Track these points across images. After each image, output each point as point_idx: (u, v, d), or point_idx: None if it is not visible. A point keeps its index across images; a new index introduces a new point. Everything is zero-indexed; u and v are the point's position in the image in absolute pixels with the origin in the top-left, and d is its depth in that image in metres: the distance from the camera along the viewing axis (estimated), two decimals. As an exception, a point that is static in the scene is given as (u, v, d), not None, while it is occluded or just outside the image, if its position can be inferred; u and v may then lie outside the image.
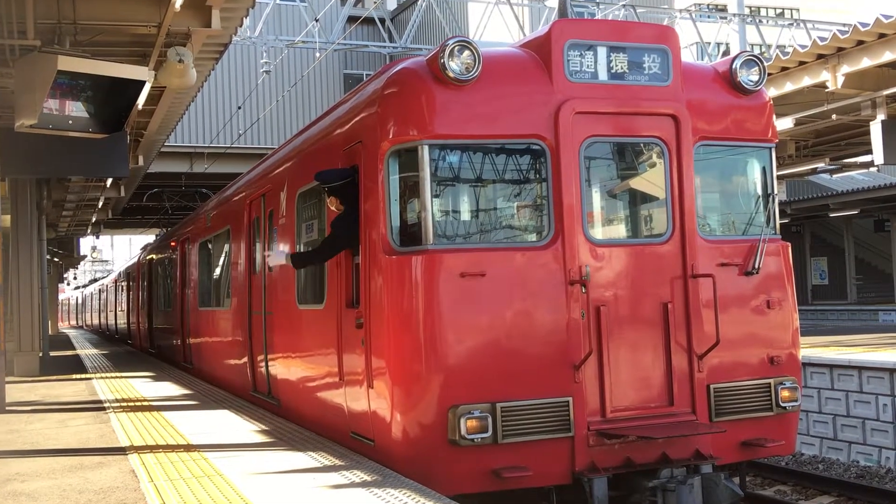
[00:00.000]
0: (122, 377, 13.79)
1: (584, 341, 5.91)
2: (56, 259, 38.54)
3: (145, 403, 10.00)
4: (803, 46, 14.72)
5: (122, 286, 28.05)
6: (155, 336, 19.57)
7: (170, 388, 11.67)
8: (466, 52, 5.85)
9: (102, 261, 77.61)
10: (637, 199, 6.64)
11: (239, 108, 25.73)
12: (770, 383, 6.41)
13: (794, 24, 28.44)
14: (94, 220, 27.12)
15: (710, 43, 25.68)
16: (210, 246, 13.10)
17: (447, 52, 5.81)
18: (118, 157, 11.09)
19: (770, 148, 6.80)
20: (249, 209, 10.15)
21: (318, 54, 22.74)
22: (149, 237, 37.44)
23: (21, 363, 14.80)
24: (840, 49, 13.98)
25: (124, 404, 9.99)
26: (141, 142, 15.34)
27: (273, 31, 24.29)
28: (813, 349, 13.71)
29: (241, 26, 10.45)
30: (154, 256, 20.17)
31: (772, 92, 14.94)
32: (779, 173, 12.96)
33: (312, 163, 7.68)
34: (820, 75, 14.59)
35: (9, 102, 10.20)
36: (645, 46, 6.32)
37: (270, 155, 10.23)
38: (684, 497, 5.86)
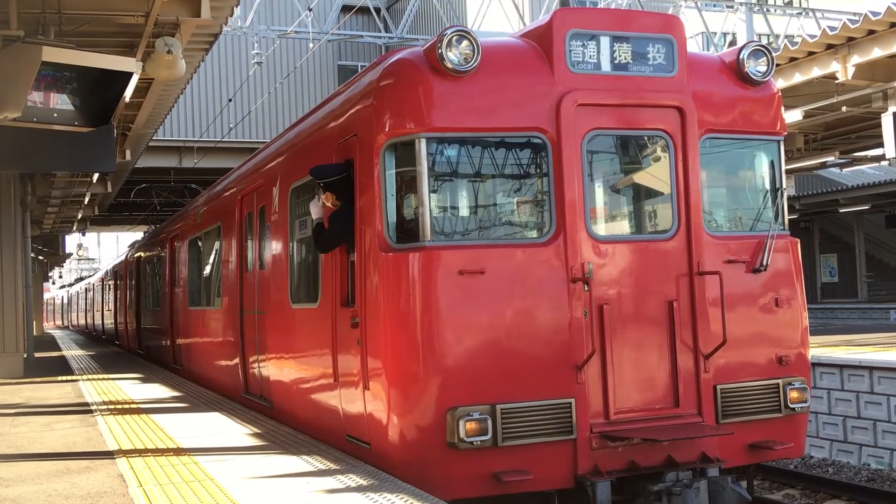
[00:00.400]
0: (109, 379, 13.64)
1: (587, 341, 5.81)
2: (41, 257, 38.31)
3: (134, 406, 9.87)
4: (812, 36, 14.59)
5: (110, 285, 27.83)
6: (143, 336, 19.40)
7: (159, 390, 11.54)
8: (465, 43, 5.73)
9: (89, 259, 77.28)
10: (641, 194, 6.52)
11: (229, 100, 25.55)
12: (778, 384, 6.31)
13: (803, 13, 28.20)
14: (80, 216, 26.94)
15: (716, 33, 25.54)
16: (200, 243, 12.94)
17: (445, 42, 5.69)
18: (105, 151, 10.89)
19: (778, 141, 6.70)
20: (241, 205, 10.01)
21: (311, 45, 22.56)
22: (137, 234, 37.24)
23: (5, 365, 14.61)
24: (850, 39, 13.83)
25: (112, 407, 9.86)
26: (128, 136, 15.20)
27: (264, 20, 24.11)
28: (822, 349, 13.61)
29: (231, 16, 10.36)
30: (142, 254, 19.97)
31: (780, 83, 14.83)
32: (787, 167, 12.84)
33: (306, 157, 7.55)
34: (830, 66, 14.42)
35: (-8, 95, 9.99)
36: (649, 36, 6.20)
37: (262, 149, 10.10)
38: (690, 501, 5.78)
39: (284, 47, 27.48)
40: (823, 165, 22.20)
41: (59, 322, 64.72)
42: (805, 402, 6.38)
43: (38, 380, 13.93)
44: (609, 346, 5.88)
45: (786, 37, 24.80)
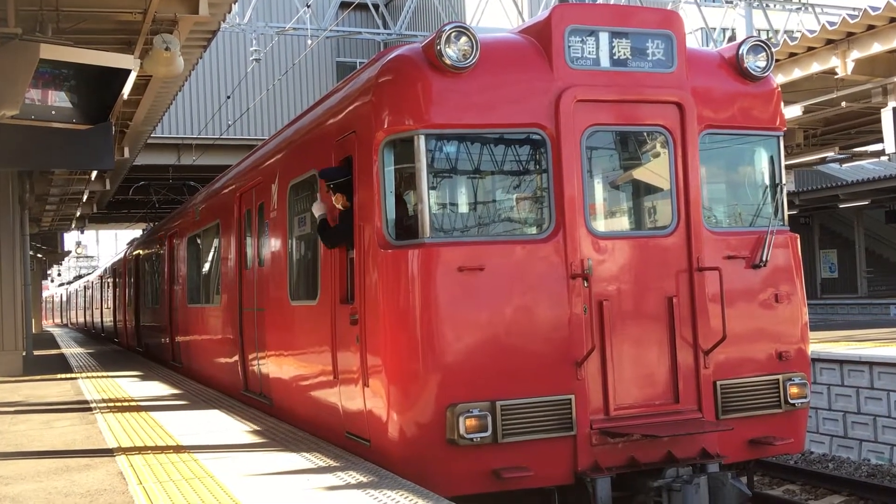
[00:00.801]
0: (108, 377, 13.62)
1: (587, 337, 5.80)
2: (39, 255, 38.26)
3: (133, 403, 9.85)
4: (812, 31, 14.55)
5: (108, 283, 27.79)
6: (142, 334, 19.38)
7: (158, 388, 11.52)
8: (463, 39, 5.72)
9: (87, 257, 77.28)
10: (641, 190, 6.51)
11: (228, 97, 25.49)
12: (778, 379, 6.30)
13: (803, 8, 28.07)
14: (78, 214, 26.90)
15: (715, 28, 25.46)
16: (199, 241, 12.92)
17: (444, 38, 5.67)
18: (103, 148, 10.86)
19: (778, 136, 6.68)
20: (240, 202, 9.99)
21: (309, 41, 22.51)
22: (135, 232, 37.21)
23: (3, 363, 14.59)
24: (850, 34, 13.81)
25: (111, 404, 9.84)
26: (126, 133, 15.16)
27: (263, 17, 24.06)
28: (822, 344, 13.58)
29: (229, 13, 10.33)
30: (141, 252, 19.94)
31: (779, 79, 14.80)
32: (787, 163, 12.81)
33: (304, 154, 7.53)
34: (829, 61, 14.39)
35: (-11, 93, 9.95)
36: (648, 32, 6.18)
37: (261, 146, 10.08)
38: (690, 497, 5.76)
39: (283, 44, 27.42)
40: (823, 161, 22.18)
41: (57, 320, 64.65)
42: (805, 397, 6.37)
43: (37, 378, 13.89)
44: (609, 343, 5.87)
45: (785, 32, 24.73)
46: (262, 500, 4.90)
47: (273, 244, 8.47)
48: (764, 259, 6.32)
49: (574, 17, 6.04)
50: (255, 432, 7.35)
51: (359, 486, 5.14)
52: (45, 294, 61.81)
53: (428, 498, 4.81)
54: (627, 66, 6.10)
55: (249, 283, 9.38)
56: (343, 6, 23.72)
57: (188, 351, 13.49)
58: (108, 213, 34.05)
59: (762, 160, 6.71)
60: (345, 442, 6.42)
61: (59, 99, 8.36)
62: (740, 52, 6.45)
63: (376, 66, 6.19)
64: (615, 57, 6.08)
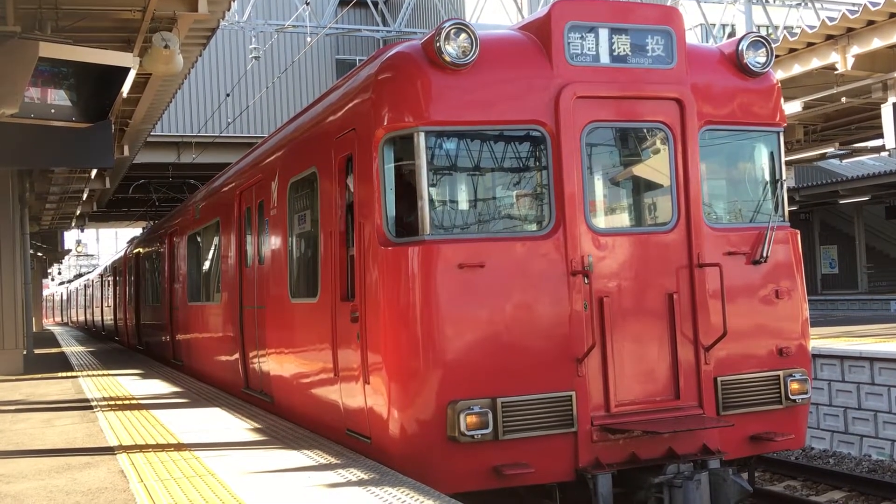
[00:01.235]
0: (109, 375, 13.62)
1: (587, 334, 5.79)
2: (39, 254, 38.25)
3: (134, 402, 9.86)
4: (812, 27, 14.53)
5: (109, 281, 27.78)
6: (143, 332, 19.38)
7: (159, 386, 11.53)
8: (463, 35, 5.71)
9: (88, 255, 77.25)
10: (641, 187, 6.49)
11: (227, 95, 25.48)
12: (779, 375, 6.29)
13: (802, 3, 28.02)
14: (78, 212, 26.89)
15: (715, 24, 25.44)
16: (199, 239, 12.91)
17: (443, 35, 5.66)
18: (103, 146, 10.85)
19: (778, 132, 6.67)
20: (240, 200, 9.98)
21: (308, 39, 22.50)
22: (135, 230, 37.18)
23: (4, 361, 14.59)
24: (850, 29, 13.78)
25: (112, 403, 9.85)
26: (126, 131, 15.15)
27: (262, 15, 24.05)
28: (823, 340, 13.58)
29: (228, 10, 10.31)
30: (141, 250, 19.94)
31: (779, 74, 14.78)
32: (787, 159, 12.81)
33: (304, 151, 7.52)
34: (829, 57, 14.36)
35: (-11, 92, 9.95)
36: (648, 28, 6.17)
37: (261, 144, 10.06)
38: (691, 493, 5.75)
39: (282, 41, 27.41)
40: (823, 157, 22.15)
41: (58, 318, 64.66)
42: (806, 393, 6.36)
43: (38, 376, 13.90)
44: (609, 339, 5.86)
45: (785, 28, 24.72)
46: (264, 498, 4.90)
47: (273, 242, 8.47)
48: (764, 255, 6.31)
49: (574, 13, 6.02)
50: (255, 430, 7.35)
51: (360, 483, 5.14)
52: (45, 293, 61.80)
53: (429, 495, 4.81)
54: (627, 63, 6.09)
55: (250, 280, 9.38)
56: (342, 3, 23.69)
57: (189, 349, 13.49)
58: (108, 212, 34.06)
59: (762, 156, 6.70)
60: (345, 439, 6.42)
61: (58, 97, 8.36)
62: (740, 47, 6.44)
63: (376, 64, 6.19)
64: (615, 53, 6.07)
